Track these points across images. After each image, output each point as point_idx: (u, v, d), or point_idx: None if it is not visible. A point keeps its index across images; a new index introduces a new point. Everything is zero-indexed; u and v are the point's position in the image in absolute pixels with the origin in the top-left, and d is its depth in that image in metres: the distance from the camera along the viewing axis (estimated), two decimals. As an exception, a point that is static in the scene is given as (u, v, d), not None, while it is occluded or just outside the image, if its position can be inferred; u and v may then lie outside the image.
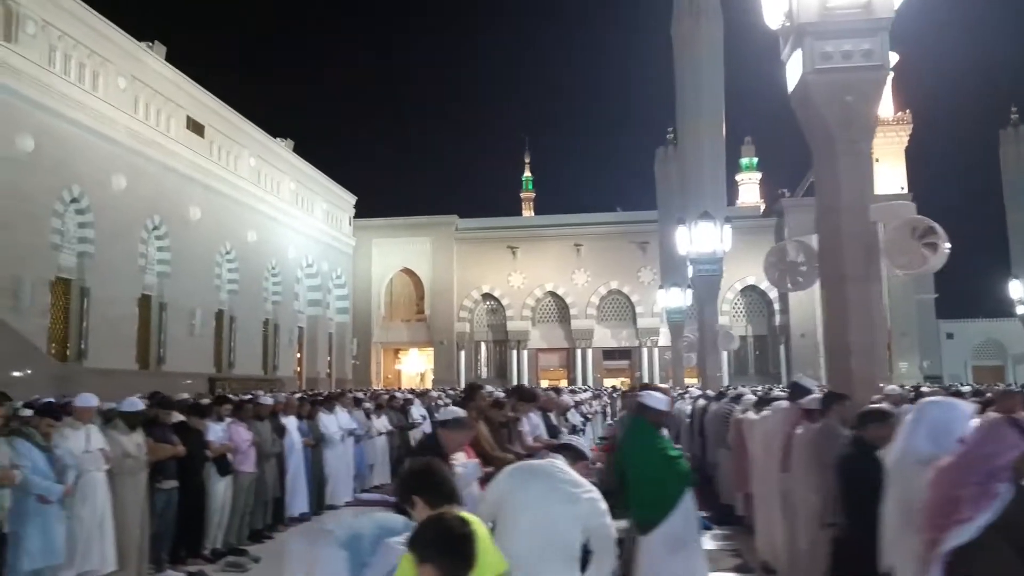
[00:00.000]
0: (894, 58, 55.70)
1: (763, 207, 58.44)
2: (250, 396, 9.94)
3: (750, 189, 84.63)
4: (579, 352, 48.25)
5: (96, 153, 25.16)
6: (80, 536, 4.88)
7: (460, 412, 4.46)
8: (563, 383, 47.24)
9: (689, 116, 25.74)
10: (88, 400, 6.06)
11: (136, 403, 6.28)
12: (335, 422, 9.54)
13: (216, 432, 6.84)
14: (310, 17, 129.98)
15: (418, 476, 2.82)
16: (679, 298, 38.18)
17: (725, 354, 46.54)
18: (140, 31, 27.63)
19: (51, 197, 23.36)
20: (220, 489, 6.95)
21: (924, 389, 12.43)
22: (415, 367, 52.65)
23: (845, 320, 9.68)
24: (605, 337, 48.35)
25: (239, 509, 7.25)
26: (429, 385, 46.08)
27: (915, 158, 50.11)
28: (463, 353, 49.20)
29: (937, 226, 11.82)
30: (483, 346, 50.13)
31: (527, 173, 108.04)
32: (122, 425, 5.72)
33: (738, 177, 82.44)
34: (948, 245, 11.67)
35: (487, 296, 49.40)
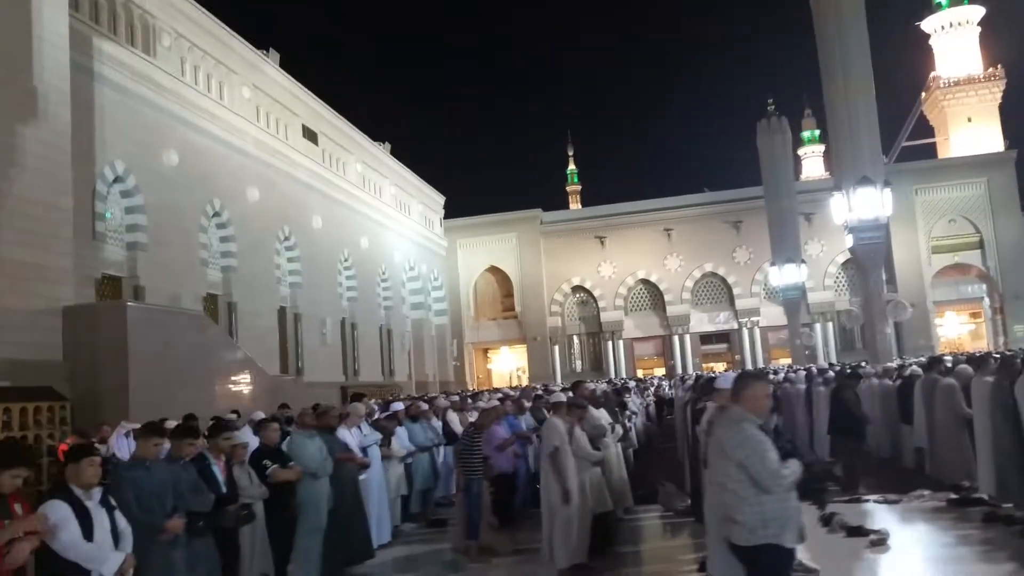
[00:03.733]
0: (979, 12, 53.46)
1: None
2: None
3: (814, 162, 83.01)
4: (676, 339, 47.23)
5: (230, 165, 24.81)
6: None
7: None
8: (660, 371, 46.41)
9: (837, 79, 24.60)
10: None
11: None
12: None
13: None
14: (390, 16, 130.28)
15: None
16: (794, 274, 37.16)
17: (830, 327, 45.54)
18: (251, 37, 27.14)
19: (197, 212, 23.00)
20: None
21: None
22: (507, 365, 52.06)
23: None
24: (702, 322, 47.31)
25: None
26: (525, 382, 45.46)
27: (1014, 114, 48.22)
28: (556, 348, 48.47)
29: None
30: (576, 339, 49.34)
31: (572, 166, 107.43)
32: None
33: (800, 151, 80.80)
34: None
35: (577, 288, 48.62)
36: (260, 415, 9.24)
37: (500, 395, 11.95)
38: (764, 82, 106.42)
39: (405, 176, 40.69)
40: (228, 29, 25.34)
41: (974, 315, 45.52)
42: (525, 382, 45.32)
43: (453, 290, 47.68)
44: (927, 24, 51.05)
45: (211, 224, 24.09)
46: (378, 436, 8.23)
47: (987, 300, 43.75)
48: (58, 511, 4.04)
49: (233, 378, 16.23)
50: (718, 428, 3.71)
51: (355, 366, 32.35)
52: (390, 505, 8.53)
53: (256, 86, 26.86)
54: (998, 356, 8.77)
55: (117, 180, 19.87)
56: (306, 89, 29.94)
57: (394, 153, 39.91)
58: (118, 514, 4.32)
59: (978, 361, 8.25)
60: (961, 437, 8.43)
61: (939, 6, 50.58)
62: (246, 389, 16.33)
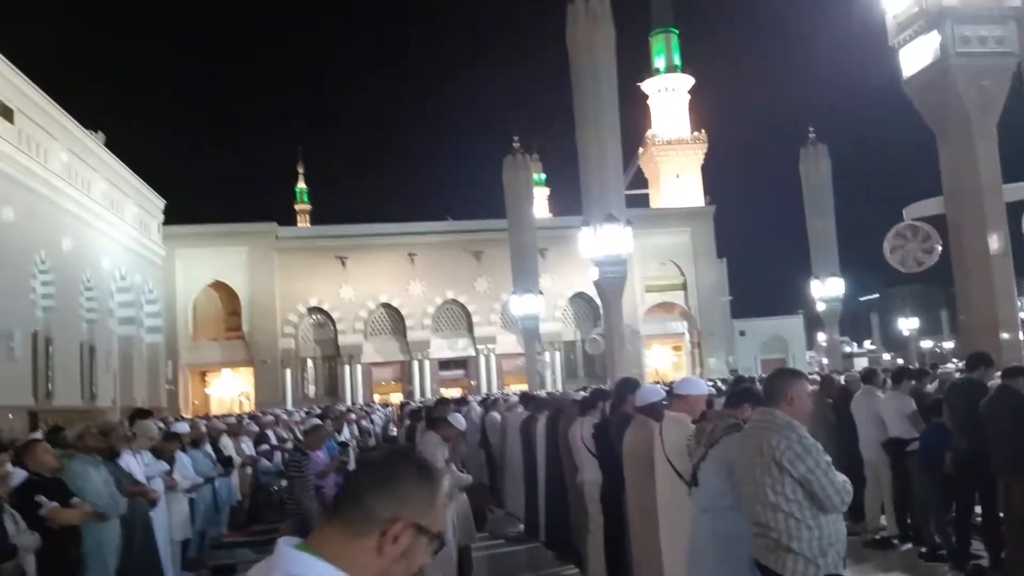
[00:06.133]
0: (689, 81, 60.56)
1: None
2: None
3: (539, 205, 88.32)
4: (416, 364, 46.87)
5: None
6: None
7: None
8: (398, 396, 45.76)
9: (589, 123, 26.02)
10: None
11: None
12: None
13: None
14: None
15: None
16: (533, 305, 38.71)
17: (558, 356, 48.25)
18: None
19: None
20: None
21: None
22: (230, 390, 47.84)
23: (991, 295, 10.28)
24: (441, 348, 47.54)
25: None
26: (251, 408, 42.22)
27: (713, 173, 55.40)
28: (288, 371, 45.61)
29: (933, 231, 12.98)
30: (310, 363, 46.90)
31: (301, 184, 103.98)
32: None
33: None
34: (939, 247, 12.85)
35: (315, 310, 46.32)
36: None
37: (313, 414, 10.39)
38: (511, 119, 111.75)
39: (120, 172, 35.91)
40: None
41: (676, 348, 50.92)
42: (249, 408, 41.95)
43: (170, 305, 42.89)
44: (647, 86, 57.09)
45: None
46: (165, 465, 6.52)
47: (687, 336, 49.21)
48: None
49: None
50: (760, 437, 3.08)
51: (48, 387, 27.44)
52: (172, 551, 6.79)
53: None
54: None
55: None
56: (7, 61, 25.18)
57: (109, 146, 35.13)
58: None
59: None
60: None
61: (657, 71, 56.82)
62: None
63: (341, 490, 1.45)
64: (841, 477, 2.99)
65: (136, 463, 5.90)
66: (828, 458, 2.99)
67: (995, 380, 5.86)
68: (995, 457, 5.15)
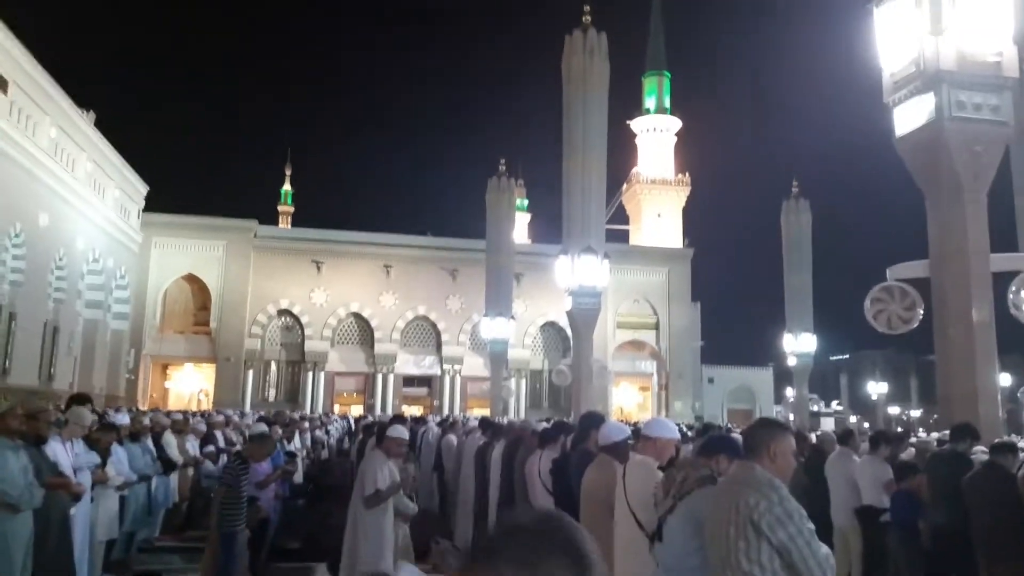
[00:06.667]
0: (677, 123, 60.76)
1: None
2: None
3: (519, 230, 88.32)
4: (380, 377, 46.24)
5: None
6: None
7: None
8: (358, 408, 45.07)
9: (577, 153, 25.89)
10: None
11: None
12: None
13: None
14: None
15: None
16: (504, 329, 38.35)
17: (523, 384, 47.89)
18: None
19: None
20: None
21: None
22: (189, 385, 46.85)
23: (972, 365, 10.14)
24: (407, 364, 46.91)
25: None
26: (209, 406, 41.33)
27: (694, 216, 55.56)
28: (251, 372, 44.78)
29: (917, 295, 12.80)
30: (274, 366, 46.07)
31: (287, 186, 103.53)
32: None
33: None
34: (921, 311, 12.75)
35: (284, 312, 45.61)
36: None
37: (256, 417, 9.94)
38: (498, 142, 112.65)
39: (106, 154, 35.31)
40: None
41: (643, 388, 50.64)
42: (207, 406, 41.05)
43: (140, 293, 42.05)
44: (635, 125, 57.49)
45: None
46: (96, 458, 6.09)
47: (656, 376, 49.01)
48: None
49: None
50: (736, 494, 2.78)
51: (6, 364, 26.63)
52: (92, 552, 6.33)
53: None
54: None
55: None
56: (6, 28, 24.70)
57: (99, 126, 34.57)
58: None
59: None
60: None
61: (647, 111, 57.29)
62: None
63: (481, 547, 1.26)
64: (824, 549, 2.70)
65: (64, 452, 5.48)
66: (811, 526, 2.70)
67: (977, 454, 5.67)
68: (977, 537, 4.92)
